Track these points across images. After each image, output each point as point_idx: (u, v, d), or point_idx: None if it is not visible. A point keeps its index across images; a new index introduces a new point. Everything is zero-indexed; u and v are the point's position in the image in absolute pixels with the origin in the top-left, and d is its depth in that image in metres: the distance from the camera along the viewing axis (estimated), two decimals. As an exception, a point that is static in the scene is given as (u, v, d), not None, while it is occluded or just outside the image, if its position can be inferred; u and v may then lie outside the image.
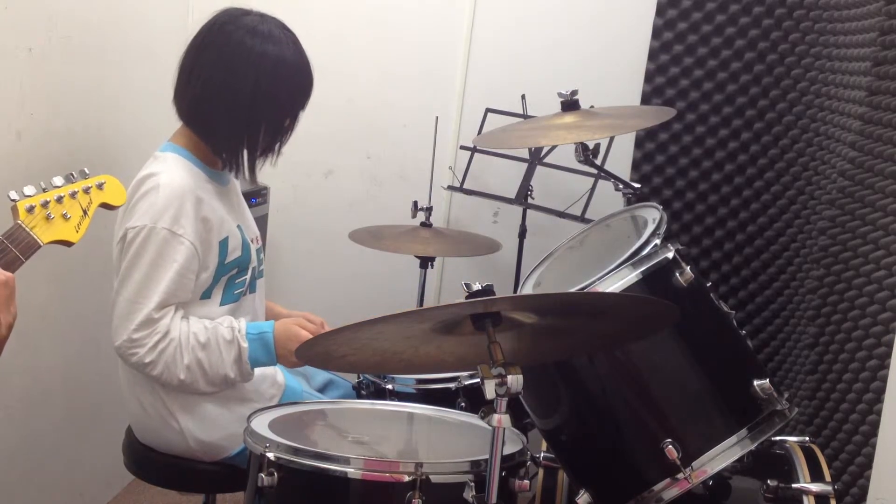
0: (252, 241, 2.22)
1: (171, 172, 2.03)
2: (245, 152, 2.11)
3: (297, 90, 2.10)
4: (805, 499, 1.93)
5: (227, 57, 2.04)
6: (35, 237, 1.65)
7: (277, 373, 2.25)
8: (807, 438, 2.12)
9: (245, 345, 2.04)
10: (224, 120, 2.06)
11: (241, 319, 2.09)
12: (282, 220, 3.37)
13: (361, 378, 2.49)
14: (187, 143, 2.10)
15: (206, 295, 2.10)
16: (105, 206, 1.84)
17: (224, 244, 2.09)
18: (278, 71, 2.04)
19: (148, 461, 2.19)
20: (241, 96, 2.04)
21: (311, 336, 2.02)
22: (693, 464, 1.83)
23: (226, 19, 2.07)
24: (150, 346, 1.98)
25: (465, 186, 3.15)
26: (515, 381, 1.52)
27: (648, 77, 3.19)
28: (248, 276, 2.17)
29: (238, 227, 2.15)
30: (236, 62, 2.04)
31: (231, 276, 2.13)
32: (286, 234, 3.39)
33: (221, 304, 2.13)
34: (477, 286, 1.58)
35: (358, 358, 1.73)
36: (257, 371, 2.18)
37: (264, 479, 1.71)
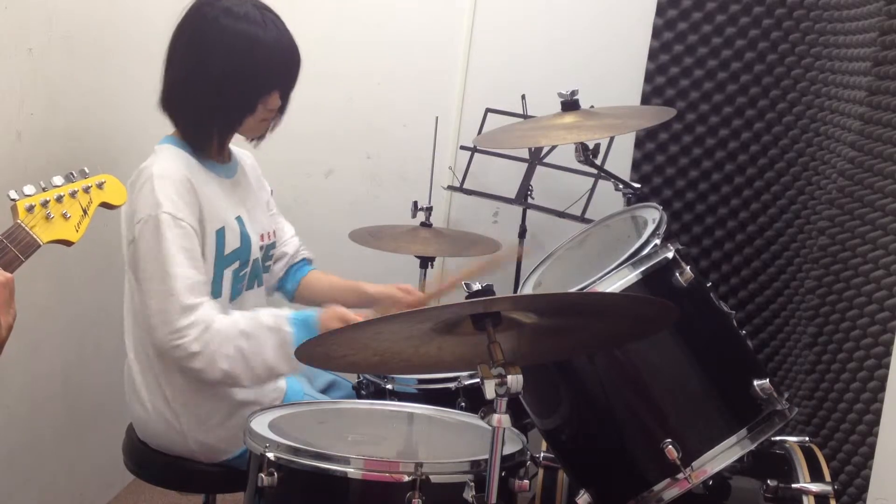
0: (262, 237, 2.22)
1: (162, 162, 2.04)
2: (214, 131, 2.10)
3: (275, 69, 2.07)
4: (805, 499, 1.93)
5: (200, 38, 2.05)
6: (35, 237, 1.65)
7: (280, 377, 2.25)
8: (807, 438, 2.12)
9: (288, 329, 2.02)
10: (194, 99, 2.07)
11: (284, 308, 2.07)
12: (282, 220, 3.36)
13: (361, 378, 2.49)
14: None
15: (217, 292, 2.09)
16: (105, 205, 1.84)
17: (221, 234, 2.08)
18: (252, 50, 2.03)
19: (148, 461, 2.19)
20: (211, 75, 2.04)
21: (358, 319, 2.00)
22: (693, 464, 1.83)
23: (204, 2, 2.07)
24: (195, 337, 1.95)
25: (465, 186, 3.15)
26: (515, 381, 1.52)
27: (648, 77, 3.19)
28: (248, 270, 2.17)
29: (237, 218, 2.15)
30: (209, 42, 2.04)
31: (234, 270, 2.13)
32: (286, 234, 3.38)
33: (231, 299, 2.13)
34: (477, 286, 1.58)
35: (358, 358, 1.73)
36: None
37: (264, 479, 1.71)
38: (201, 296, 1.99)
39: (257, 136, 2.19)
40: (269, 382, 2.10)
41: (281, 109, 2.15)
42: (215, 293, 2.09)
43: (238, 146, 2.28)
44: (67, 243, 1.74)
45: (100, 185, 1.80)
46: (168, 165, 2.03)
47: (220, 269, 2.10)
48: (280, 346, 2.02)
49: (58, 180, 1.74)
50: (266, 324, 2.02)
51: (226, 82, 2.04)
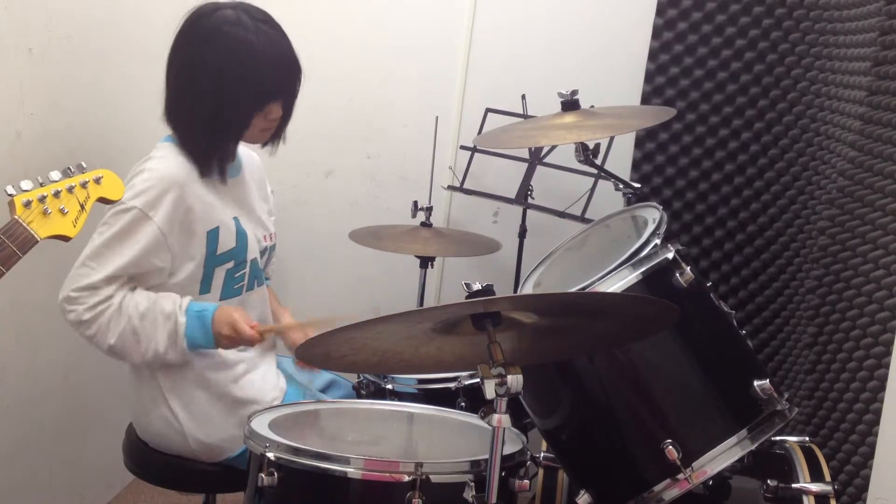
0: (264, 238, 2.22)
1: (161, 160, 2.05)
2: (211, 146, 2.09)
3: (269, 78, 2.06)
4: (805, 499, 1.93)
5: (196, 49, 2.05)
6: (32, 232, 1.65)
7: (280, 376, 2.25)
8: (807, 438, 2.12)
9: (182, 320, 2.03)
10: (192, 112, 2.06)
11: (187, 297, 2.07)
12: (282, 220, 3.33)
13: (361, 378, 2.49)
14: None
15: (206, 289, 2.10)
16: (102, 200, 1.84)
17: (213, 234, 2.08)
18: (243, 57, 2.02)
19: (148, 461, 2.20)
20: (206, 85, 2.03)
21: (248, 330, 2.03)
22: (693, 464, 1.83)
23: (199, 14, 2.07)
24: (90, 306, 1.98)
25: (465, 186, 3.15)
26: (515, 381, 1.52)
27: (648, 77, 3.19)
28: (247, 270, 2.17)
29: (234, 218, 2.14)
30: (203, 53, 2.04)
31: (229, 269, 2.13)
32: (286, 234, 3.35)
33: (222, 297, 2.13)
34: (477, 286, 1.58)
35: (358, 358, 1.73)
36: (259, 374, 2.18)
37: (264, 479, 1.71)
38: (119, 287, 2.00)
39: (268, 143, 2.18)
40: (159, 364, 2.09)
41: (285, 118, 2.14)
42: (203, 290, 2.10)
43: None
44: (65, 238, 1.74)
45: (97, 181, 1.80)
46: (164, 164, 2.04)
47: (211, 268, 2.10)
48: (171, 333, 2.03)
49: (55, 175, 1.74)
50: (164, 310, 2.02)
51: (220, 94, 2.04)
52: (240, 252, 2.14)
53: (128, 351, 2.03)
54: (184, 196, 2.02)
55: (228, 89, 2.03)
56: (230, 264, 2.13)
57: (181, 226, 2.03)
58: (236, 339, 2.05)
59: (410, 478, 1.65)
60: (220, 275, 2.12)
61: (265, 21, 2.07)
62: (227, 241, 2.11)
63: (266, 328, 2.13)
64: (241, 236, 2.14)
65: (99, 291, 1.99)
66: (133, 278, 2.03)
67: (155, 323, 2.02)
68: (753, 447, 1.87)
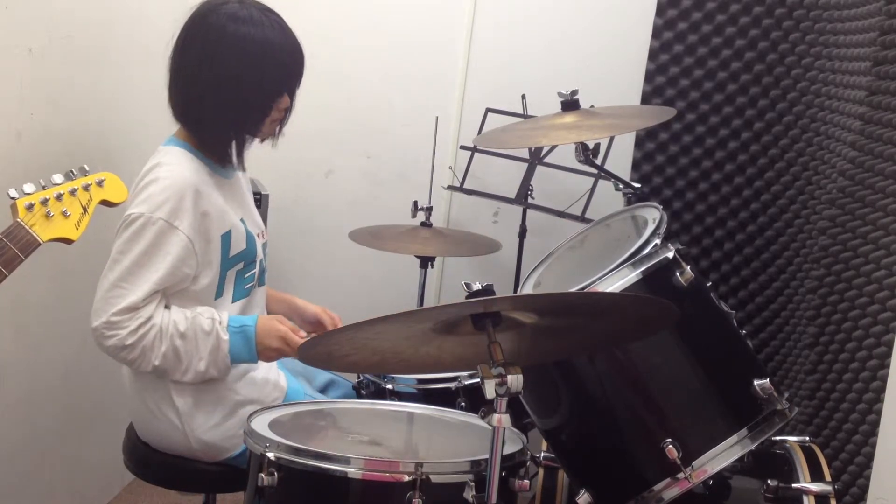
0: (258, 235, 2.22)
1: (172, 165, 2.03)
2: (234, 141, 2.10)
3: (286, 70, 2.08)
4: (805, 499, 1.93)
5: (211, 48, 2.04)
6: (34, 235, 1.65)
7: (280, 376, 2.25)
8: (807, 438, 2.12)
9: (225, 337, 2.03)
10: (214, 111, 2.06)
11: (224, 312, 2.08)
12: (282, 220, 3.36)
13: (361, 378, 2.49)
14: (189, 137, 2.11)
15: (219, 293, 2.10)
16: (105, 203, 1.84)
17: (226, 237, 2.08)
18: (264, 53, 2.03)
19: (148, 461, 2.19)
20: (229, 84, 2.03)
21: (299, 340, 2.03)
22: (693, 463, 1.83)
23: (206, 11, 2.07)
24: (132, 330, 1.96)
25: (465, 186, 3.15)
26: (515, 381, 1.52)
27: (648, 77, 3.19)
28: (256, 270, 2.18)
29: (241, 220, 2.15)
30: (220, 51, 2.03)
31: (239, 271, 2.13)
32: (286, 234, 3.39)
33: (234, 300, 2.13)
34: (477, 286, 1.58)
35: (358, 358, 1.73)
36: (260, 374, 2.18)
37: (264, 479, 1.71)
38: (157, 305, 2.00)
39: (270, 137, 2.19)
40: (199, 381, 2.09)
41: (289, 108, 2.15)
42: (217, 294, 2.10)
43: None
44: (67, 241, 1.74)
45: (99, 183, 1.80)
46: (176, 170, 2.02)
47: (224, 271, 2.10)
48: (213, 351, 2.03)
49: (57, 178, 1.74)
50: (202, 327, 2.02)
51: (242, 90, 2.04)
52: (249, 253, 2.15)
53: (169, 370, 2.03)
54: (200, 202, 2.02)
55: (251, 85, 2.04)
56: (240, 265, 2.13)
57: (200, 231, 2.03)
58: (285, 351, 2.06)
59: (410, 478, 1.65)
60: (231, 277, 2.12)
61: (270, 11, 2.09)
62: (238, 244, 2.11)
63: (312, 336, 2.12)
64: (249, 238, 2.15)
65: (139, 312, 1.97)
66: (164, 290, 2.03)
67: (196, 342, 2.01)
68: (753, 446, 1.87)
